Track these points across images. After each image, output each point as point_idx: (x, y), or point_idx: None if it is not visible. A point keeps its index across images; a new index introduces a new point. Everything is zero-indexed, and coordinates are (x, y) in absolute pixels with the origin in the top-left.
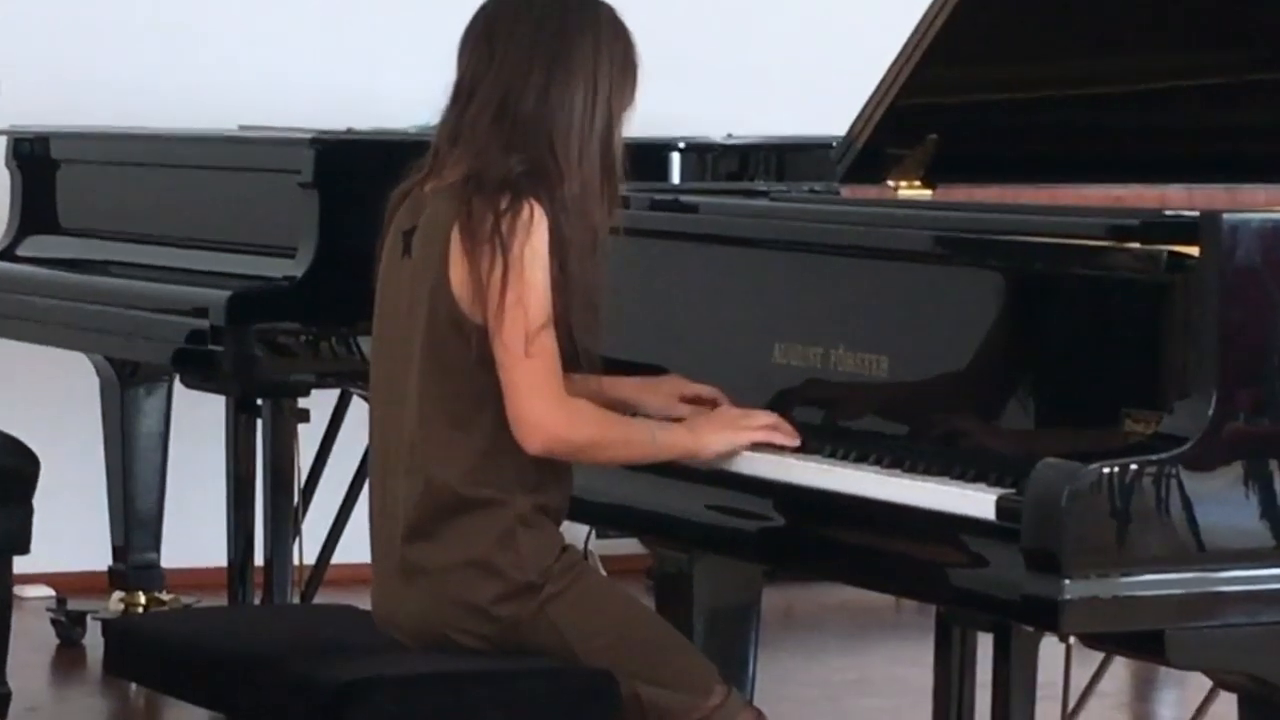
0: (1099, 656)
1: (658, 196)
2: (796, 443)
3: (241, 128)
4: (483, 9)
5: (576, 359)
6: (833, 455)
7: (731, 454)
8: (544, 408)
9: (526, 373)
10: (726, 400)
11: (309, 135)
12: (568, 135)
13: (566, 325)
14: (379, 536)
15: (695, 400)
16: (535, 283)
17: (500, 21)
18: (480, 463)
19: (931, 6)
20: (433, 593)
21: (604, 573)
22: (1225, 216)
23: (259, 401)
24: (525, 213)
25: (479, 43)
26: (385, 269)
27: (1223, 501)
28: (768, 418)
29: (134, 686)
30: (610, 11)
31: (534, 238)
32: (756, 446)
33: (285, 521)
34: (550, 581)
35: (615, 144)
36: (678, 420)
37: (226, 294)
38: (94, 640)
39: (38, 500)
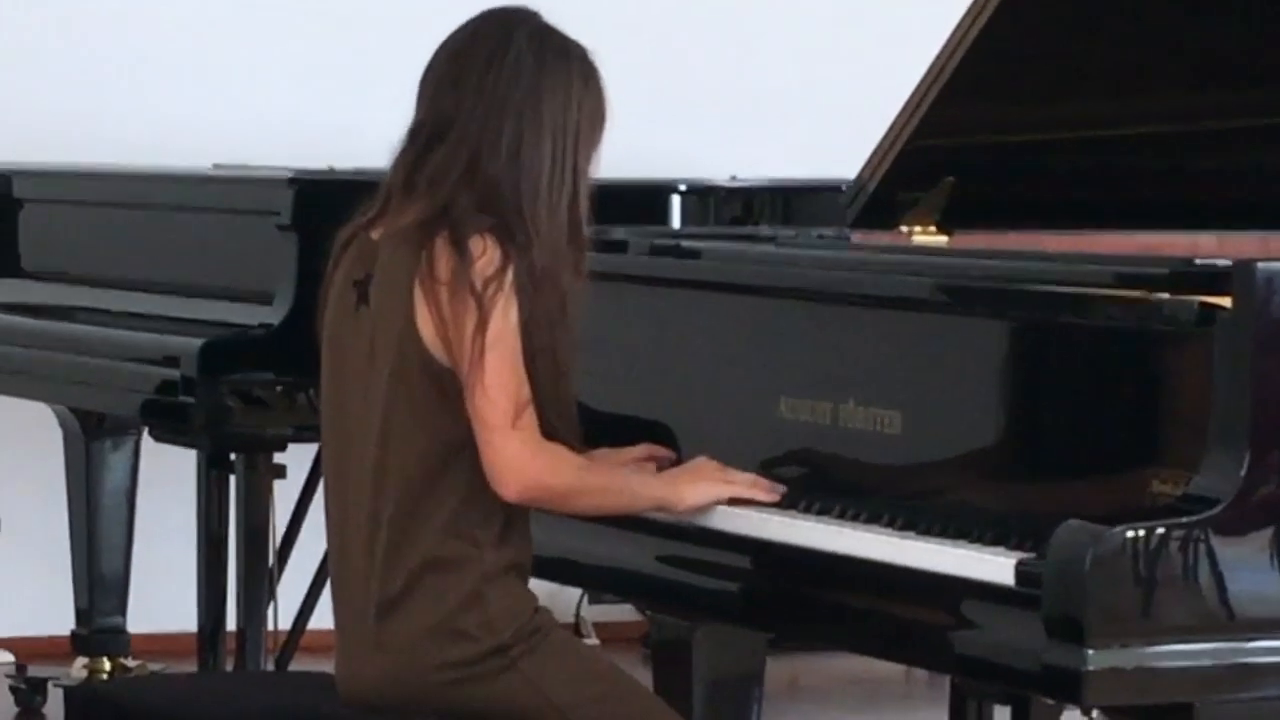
0: None
1: (658, 241)
2: (776, 498)
3: (216, 166)
4: (448, 48)
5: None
6: (842, 516)
7: (707, 508)
8: (523, 451)
9: (503, 415)
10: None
11: (288, 175)
12: (535, 197)
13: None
14: (343, 608)
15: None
16: (510, 327)
17: (470, 68)
18: (453, 518)
19: (947, 43)
20: (401, 662)
21: (597, 640)
22: (1259, 266)
23: (232, 456)
24: (498, 259)
25: (444, 87)
26: (335, 321)
27: (1255, 568)
28: (748, 476)
29: None
30: (582, 55)
31: (505, 283)
32: (747, 504)
33: (259, 584)
34: (520, 641)
35: (581, 200)
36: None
37: (199, 342)
38: (55, 709)
39: None
